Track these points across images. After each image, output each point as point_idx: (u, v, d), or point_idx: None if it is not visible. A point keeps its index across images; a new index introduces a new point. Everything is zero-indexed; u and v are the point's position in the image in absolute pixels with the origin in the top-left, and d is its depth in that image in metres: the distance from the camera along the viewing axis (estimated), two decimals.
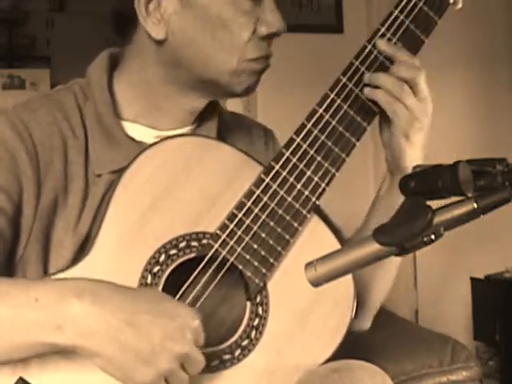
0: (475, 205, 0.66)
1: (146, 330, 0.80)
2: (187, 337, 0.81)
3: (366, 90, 0.97)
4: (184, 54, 0.96)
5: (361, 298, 1.09)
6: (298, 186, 0.96)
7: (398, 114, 0.97)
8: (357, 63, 0.99)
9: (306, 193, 0.96)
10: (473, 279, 2.80)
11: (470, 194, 0.67)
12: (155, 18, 0.94)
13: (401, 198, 1.01)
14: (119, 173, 0.93)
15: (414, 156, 1.01)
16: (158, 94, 0.99)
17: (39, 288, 0.81)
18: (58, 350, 0.81)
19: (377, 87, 0.97)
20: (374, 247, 0.69)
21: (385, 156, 1.05)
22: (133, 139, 0.99)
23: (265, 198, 0.94)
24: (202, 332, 0.84)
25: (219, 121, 1.06)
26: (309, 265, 0.72)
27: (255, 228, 0.94)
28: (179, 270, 0.92)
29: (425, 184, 0.70)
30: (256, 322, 0.94)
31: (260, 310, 0.94)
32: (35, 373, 0.84)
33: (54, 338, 0.79)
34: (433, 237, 0.68)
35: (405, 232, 0.67)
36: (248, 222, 0.93)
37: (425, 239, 0.68)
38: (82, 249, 0.93)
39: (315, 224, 0.98)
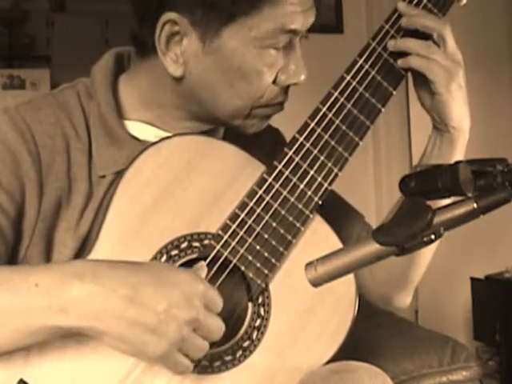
0: (475, 205, 0.67)
1: (150, 302, 0.79)
2: (194, 302, 0.81)
3: (400, 61, 0.97)
4: (199, 94, 0.95)
5: (402, 273, 1.09)
6: (301, 186, 0.96)
7: (435, 71, 0.96)
8: (360, 61, 0.98)
9: (309, 193, 0.96)
10: (473, 279, 2.80)
11: (470, 194, 0.67)
12: (174, 55, 0.92)
13: (453, 156, 1.00)
14: (120, 171, 0.93)
15: (460, 113, 0.99)
16: (166, 113, 0.99)
17: (39, 273, 0.81)
18: (63, 333, 0.81)
19: (404, 54, 0.97)
20: (374, 247, 0.69)
21: (431, 118, 1.03)
22: (136, 139, 0.98)
23: (267, 198, 0.94)
24: (215, 296, 0.84)
25: None
26: (309, 265, 0.72)
27: (258, 228, 0.93)
28: None
29: (425, 184, 0.70)
30: (258, 322, 0.94)
31: (262, 311, 0.94)
32: (36, 363, 0.84)
33: (59, 320, 0.79)
34: (433, 237, 0.68)
35: (405, 232, 0.68)
36: (250, 222, 0.93)
37: (425, 239, 0.68)
38: (83, 248, 0.93)
39: (318, 224, 0.97)
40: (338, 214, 0.99)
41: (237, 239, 0.93)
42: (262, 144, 1.10)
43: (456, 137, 1.01)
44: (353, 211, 1.14)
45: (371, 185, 2.99)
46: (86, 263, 0.83)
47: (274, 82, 0.94)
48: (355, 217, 1.13)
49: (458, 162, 0.68)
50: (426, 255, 1.08)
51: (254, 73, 0.92)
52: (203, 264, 0.89)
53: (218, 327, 0.84)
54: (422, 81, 0.99)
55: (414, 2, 0.99)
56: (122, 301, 0.79)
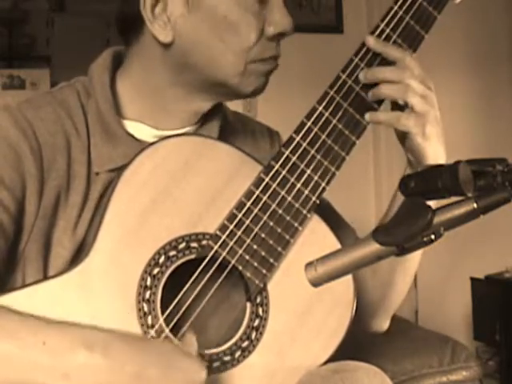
0: (475, 205, 0.66)
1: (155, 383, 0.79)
2: None
3: (370, 93, 0.97)
4: (192, 56, 0.95)
5: (380, 299, 1.10)
6: (298, 186, 0.95)
7: (410, 99, 0.95)
8: (356, 60, 0.98)
9: (306, 192, 0.96)
10: (473, 279, 2.80)
11: (470, 194, 0.67)
12: (162, 21, 0.93)
13: None
14: (118, 172, 0.93)
15: (435, 153, 0.98)
16: (163, 96, 0.99)
17: (49, 331, 0.80)
18: None
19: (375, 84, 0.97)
20: (374, 247, 0.69)
21: (406, 156, 1.03)
22: (133, 137, 0.98)
23: (264, 198, 0.94)
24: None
25: (223, 121, 1.06)
26: (309, 265, 0.72)
27: (255, 228, 0.93)
28: (179, 272, 0.91)
29: (425, 184, 0.70)
30: (256, 322, 0.93)
31: (260, 311, 0.94)
32: None
33: None
34: (433, 237, 0.68)
35: (405, 232, 0.67)
36: (248, 222, 0.93)
37: (425, 239, 0.68)
38: (81, 249, 0.93)
39: (316, 224, 0.97)
40: (330, 227, 0.99)
41: (234, 239, 0.93)
42: (261, 146, 1.10)
43: None
44: (345, 225, 1.14)
45: (371, 185, 2.99)
46: (99, 334, 0.81)
47: (263, 34, 0.95)
48: (347, 231, 1.12)
49: (457, 162, 0.68)
50: (404, 282, 1.09)
51: (239, 22, 0.93)
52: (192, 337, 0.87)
53: None
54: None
55: (409, 1, 0.99)
56: (128, 378, 0.79)
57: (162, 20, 0.93)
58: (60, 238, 0.93)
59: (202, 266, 0.92)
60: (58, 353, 0.79)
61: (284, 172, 0.95)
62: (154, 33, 0.93)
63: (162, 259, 0.90)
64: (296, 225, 0.95)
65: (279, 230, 0.94)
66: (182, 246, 0.92)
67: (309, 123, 0.96)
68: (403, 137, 1.00)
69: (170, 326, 0.90)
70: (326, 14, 2.93)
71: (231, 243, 0.92)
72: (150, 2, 0.92)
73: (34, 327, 0.81)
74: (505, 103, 3.08)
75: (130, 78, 1.00)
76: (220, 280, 0.93)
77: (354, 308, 0.97)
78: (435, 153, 0.98)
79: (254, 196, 0.94)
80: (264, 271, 0.93)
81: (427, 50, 1.05)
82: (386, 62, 0.98)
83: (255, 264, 0.93)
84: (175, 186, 0.93)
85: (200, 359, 0.85)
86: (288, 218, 0.95)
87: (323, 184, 0.96)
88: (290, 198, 0.95)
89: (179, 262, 0.91)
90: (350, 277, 0.96)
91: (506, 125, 3.06)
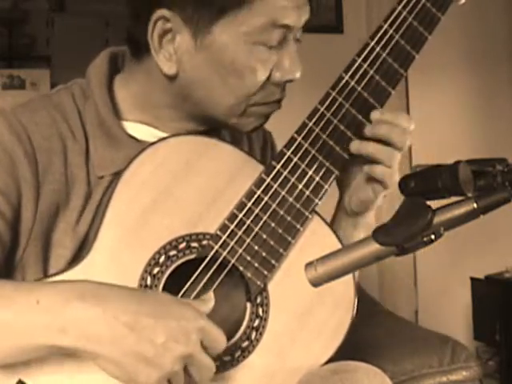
0: (475, 205, 0.66)
1: (149, 332, 0.79)
2: (192, 338, 0.80)
3: (366, 167, 0.98)
4: (193, 92, 0.95)
5: None
6: (300, 186, 0.95)
7: (387, 180, 0.98)
8: (359, 60, 0.98)
9: (308, 193, 0.96)
10: (473, 279, 2.80)
11: (470, 194, 0.67)
12: (167, 53, 0.92)
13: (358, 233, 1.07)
14: (119, 173, 0.93)
15: (372, 222, 1.05)
16: (161, 114, 0.99)
17: (41, 290, 0.81)
18: (62, 352, 0.80)
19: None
20: (374, 247, 0.69)
21: (346, 200, 1.04)
22: (135, 139, 0.98)
23: (266, 198, 0.94)
24: (216, 333, 0.83)
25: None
26: (309, 265, 0.72)
27: (256, 229, 0.93)
28: (179, 271, 0.91)
29: (425, 184, 0.70)
30: (256, 323, 0.93)
31: (260, 311, 0.94)
32: (34, 372, 0.83)
33: (58, 340, 0.79)
34: (433, 237, 0.68)
35: (405, 232, 0.67)
36: (249, 222, 0.93)
37: (425, 239, 0.68)
38: (82, 248, 0.92)
39: (317, 224, 0.97)
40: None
41: (235, 239, 0.93)
42: (254, 147, 1.10)
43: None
44: None
45: None
46: (90, 285, 0.82)
47: (269, 79, 0.94)
48: None
49: (457, 162, 0.68)
50: None
51: (246, 69, 0.92)
52: (211, 295, 0.88)
53: (208, 367, 0.83)
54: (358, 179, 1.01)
55: (413, 2, 0.99)
56: (122, 328, 0.79)
57: (167, 51, 0.92)
58: (60, 239, 0.93)
59: (202, 266, 0.92)
60: (52, 309, 0.79)
61: (285, 172, 0.95)
62: (159, 63, 0.93)
63: (162, 259, 0.90)
64: (297, 225, 0.95)
65: (280, 231, 0.94)
66: (183, 245, 0.92)
67: (310, 124, 0.96)
68: (366, 189, 1.01)
69: None
70: (326, 14, 2.93)
71: (232, 243, 0.92)
72: (157, 32, 0.91)
73: (28, 290, 0.82)
74: (505, 103, 3.08)
75: (129, 88, 1.00)
76: (220, 279, 0.93)
77: (355, 308, 0.97)
78: (372, 222, 1.04)
79: (255, 196, 0.94)
80: (265, 272, 0.93)
81: (426, 49, 1.05)
82: (388, 65, 0.98)
83: (256, 264, 0.93)
84: (176, 185, 0.93)
85: (198, 307, 0.85)
86: (289, 218, 0.95)
87: (325, 185, 0.96)
88: (291, 199, 0.95)
89: (179, 261, 0.91)
90: (350, 277, 0.96)
91: (506, 125, 3.06)
